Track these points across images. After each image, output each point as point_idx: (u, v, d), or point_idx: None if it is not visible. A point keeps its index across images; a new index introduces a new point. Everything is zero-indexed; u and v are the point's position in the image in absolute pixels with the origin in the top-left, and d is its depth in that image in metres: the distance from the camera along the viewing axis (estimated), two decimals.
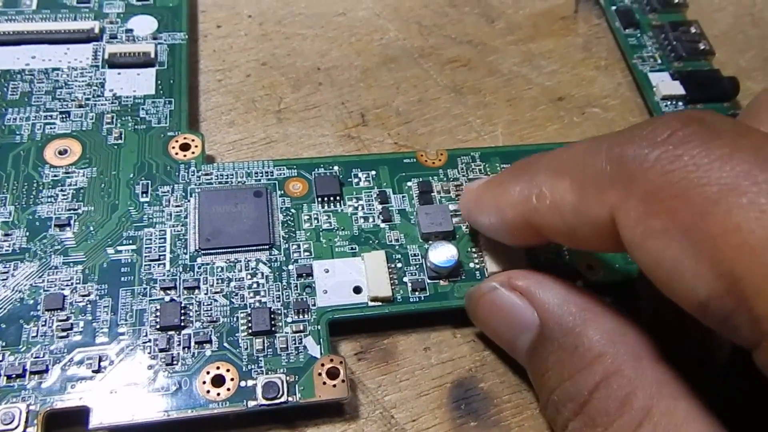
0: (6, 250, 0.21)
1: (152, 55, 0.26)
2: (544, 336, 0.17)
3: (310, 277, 0.21)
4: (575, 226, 0.15)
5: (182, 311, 0.20)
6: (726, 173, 0.12)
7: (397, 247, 0.22)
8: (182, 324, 0.20)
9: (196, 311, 0.20)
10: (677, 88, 0.27)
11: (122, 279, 0.20)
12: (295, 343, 0.20)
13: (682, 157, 0.13)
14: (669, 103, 0.27)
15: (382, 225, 0.22)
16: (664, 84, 0.27)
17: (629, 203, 0.14)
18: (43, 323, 0.19)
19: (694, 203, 0.12)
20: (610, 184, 0.14)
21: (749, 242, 0.11)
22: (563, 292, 0.17)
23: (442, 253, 0.21)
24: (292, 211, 0.22)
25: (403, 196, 0.23)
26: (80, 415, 0.18)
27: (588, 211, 0.15)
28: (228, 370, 0.19)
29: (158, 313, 0.20)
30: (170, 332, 0.20)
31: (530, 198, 0.16)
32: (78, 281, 0.20)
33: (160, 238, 0.21)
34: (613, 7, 0.31)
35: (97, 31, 0.26)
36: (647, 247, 0.13)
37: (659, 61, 0.29)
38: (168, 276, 0.21)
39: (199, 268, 0.21)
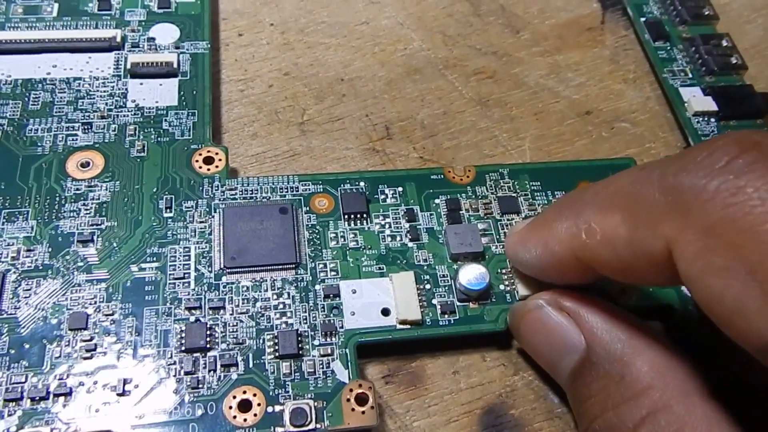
0: (29, 267, 0.20)
1: (175, 65, 0.25)
2: (589, 361, 0.16)
3: (338, 298, 0.20)
4: (630, 261, 0.15)
5: (208, 332, 0.19)
6: None
7: (425, 267, 0.21)
8: (208, 346, 0.19)
9: (221, 332, 0.20)
10: (710, 104, 0.26)
11: (146, 298, 0.20)
12: (322, 367, 0.19)
13: (745, 188, 0.12)
14: (701, 119, 0.26)
15: (410, 244, 0.22)
16: (696, 100, 0.27)
17: (687, 236, 0.13)
18: (67, 343, 0.19)
19: (761, 241, 0.12)
20: (666, 215, 0.13)
21: None
22: (611, 317, 0.17)
23: (473, 275, 0.21)
24: (318, 228, 0.22)
25: (430, 214, 0.23)
26: None
27: (643, 244, 0.14)
28: (255, 395, 0.19)
29: (183, 334, 0.19)
30: (195, 354, 0.19)
31: (579, 234, 0.16)
32: (102, 300, 0.20)
33: (184, 256, 0.21)
34: (642, 19, 0.30)
35: (119, 39, 0.26)
36: (707, 284, 0.13)
37: (690, 75, 0.28)
38: (193, 295, 0.20)
39: (224, 287, 0.20)
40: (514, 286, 0.21)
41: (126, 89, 0.25)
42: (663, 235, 0.14)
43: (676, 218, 0.13)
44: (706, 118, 0.26)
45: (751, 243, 0.12)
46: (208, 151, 0.23)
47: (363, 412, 0.18)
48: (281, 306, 0.20)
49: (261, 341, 0.19)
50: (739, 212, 0.12)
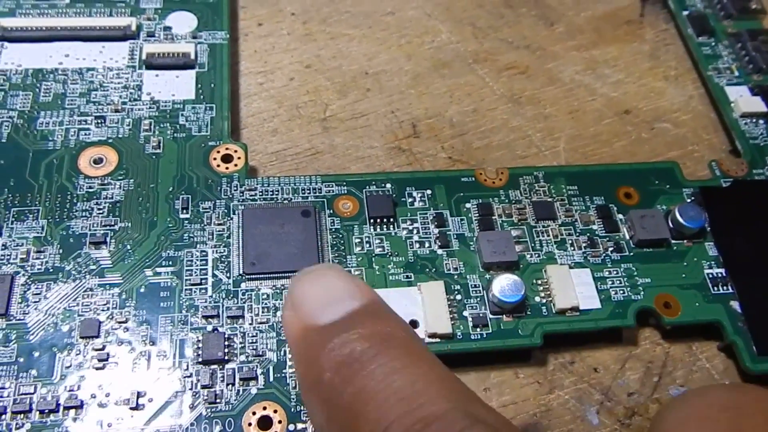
0: (39, 269, 0.19)
1: (192, 56, 0.24)
2: None
3: None
4: None
5: (226, 343, 0.18)
6: None
7: (456, 276, 0.20)
8: (226, 357, 0.18)
9: (240, 343, 0.18)
10: (758, 105, 0.25)
11: (161, 305, 0.19)
12: None
13: None
14: (749, 121, 0.25)
15: (440, 251, 0.21)
16: (744, 100, 0.25)
17: None
18: (78, 352, 0.18)
19: None
20: None
21: None
22: None
23: (507, 286, 0.19)
24: (342, 233, 0.21)
25: (461, 219, 0.21)
26: None
27: None
28: (275, 411, 0.17)
29: (200, 345, 0.18)
30: (213, 366, 0.18)
31: None
32: (114, 306, 0.19)
33: (201, 260, 0.20)
34: (685, 12, 0.28)
35: (134, 28, 0.24)
36: None
37: (736, 73, 0.26)
38: (210, 303, 0.19)
39: (243, 294, 0.19)
40: (550, 299, 0.20)
41: (141, 81, 0.23)
42: None
43: None
44: (754, 120, 0.25)
45: None
46: (227, 149, 0.22)
47: None
48: None
49: (282, 353, 0.18)
50: None
